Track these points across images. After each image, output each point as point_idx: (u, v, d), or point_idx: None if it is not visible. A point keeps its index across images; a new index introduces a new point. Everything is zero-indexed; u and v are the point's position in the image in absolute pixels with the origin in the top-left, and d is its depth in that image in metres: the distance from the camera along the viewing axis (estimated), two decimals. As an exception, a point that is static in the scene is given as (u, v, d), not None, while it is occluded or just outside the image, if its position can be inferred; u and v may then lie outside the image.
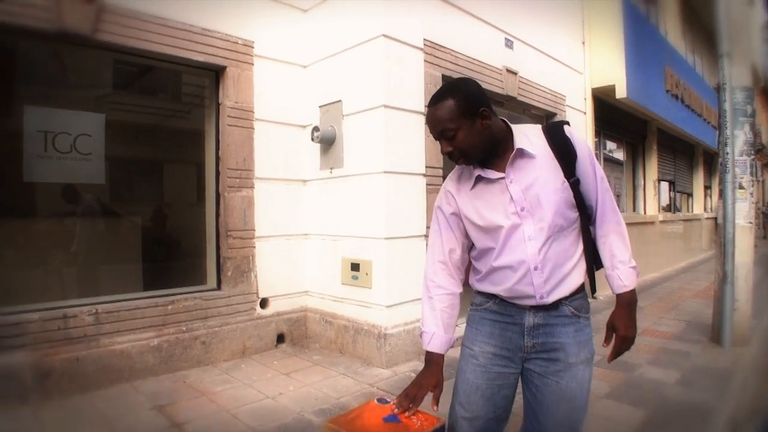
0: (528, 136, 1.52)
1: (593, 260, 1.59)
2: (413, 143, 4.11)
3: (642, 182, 9.54)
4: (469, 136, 1.44)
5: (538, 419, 1.55)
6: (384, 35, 3.90)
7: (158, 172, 7.23)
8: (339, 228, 4.36)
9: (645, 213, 9.43)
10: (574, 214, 1.52)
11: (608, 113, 7.64)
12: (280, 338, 4.44)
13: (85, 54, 3.87)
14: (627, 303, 1.55)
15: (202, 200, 4.38)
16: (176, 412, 3.07)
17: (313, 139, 4.32)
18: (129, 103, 6.41)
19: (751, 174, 4.45)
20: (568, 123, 1.57)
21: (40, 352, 3.22)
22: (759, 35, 4.40)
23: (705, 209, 13.57)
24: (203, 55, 3.97)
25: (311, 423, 2.90)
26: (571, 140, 1.50)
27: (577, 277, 1.54)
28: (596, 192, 1.53)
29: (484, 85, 4.87)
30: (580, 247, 1.55)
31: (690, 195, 12.88)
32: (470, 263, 1.70)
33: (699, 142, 11.68)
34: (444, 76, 4.43)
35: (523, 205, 1.47)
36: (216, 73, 4.20)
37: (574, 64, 6.78)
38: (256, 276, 4.32)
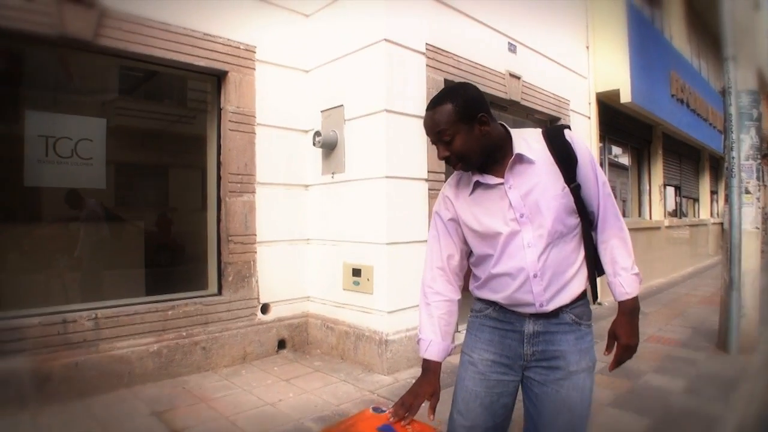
0: (527, 140, 1.50)
1: (595, 267, 1.56)
2: (415, 148, 4.09)
3: (647, 187, 9.48)
4: (467, 142, 1.42)
5: (537, 428, 1.53)
6: (386, 39, 3.89)
7: (163, 177, 7.26)
8: (340, 233, 4.33)
9: (651, 218, 9.36)
10: (575, 220, 1.49)
11: (613, 118, 7.59)
12: (282, 344, 4.42)
13: (88, 60, 3.88)
14: (629, 311, 1.52)
15: (204, 205, 4.37)
16: (175, 418, 3.04)
17: (314, 144, 4.31)
18: (134, 109, 6.45)
19: (758, 178, 4.40)
20: (568, 127, 1.54)
21: (40, 357, 3.21)
22: (765, 38, 4.36)
23: (711, 214, 13.46)
24: (205, 60, 3.97)
25: (310, 430, 2.87)
26: (572, 145, 1.47)
27: (579, 284, 1.50)
28: (598, 197, 1.50)
29: (486, 90, 4.87)
30: (582, 254, 1.51)
31: (696, 200, 12.79)
32: (470, 269, 1.67)
33: (705, 146, 11.61)
34: (446, 81, 4.41)
35: (522, 211, 1.45)
36: (218, 78, 4.20)
37: (578, 69, 6.75)
38: (257, 281, 4.29)
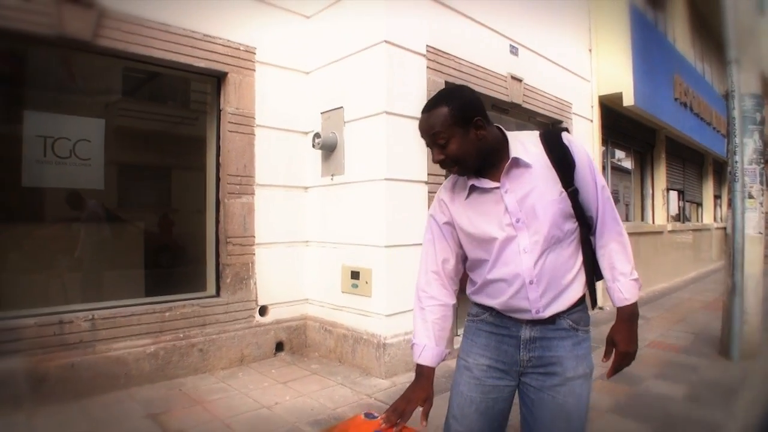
0: (524, 144, 1.47)
1: (593, 272, 1.54)
2: (415, 150, 4.06)
3: (650, 191, 9.42)
4: (462, 146, 1.40)
5: None
6: (386, 41, 3.87)
7: (166, 179, 7.27)
8: (339, 235, 4.31)
9: (653, 222, 9.30)
10: (572, 225, 1.47)
11: (615, 121, 7.55)
12: (279, 346, 4.39)
13: (89, 61, 3.88)
14: (628, 317, 1.49)
15: (203, 207, 4.35)
16: (169, 420, 3.03)
17: (314, 146, 4.29)
18: (136, 110, 6.46)
19: (761, 183, 4.36)
20: (566, 129, 1.52)
21: (36, 357, 3.20)
22: (768, 42, 4.33)
23: (715, 219, 13.39)
24: (205, 61, 3.96)
25: (305, 434, 2.85)
26: (569, 148, 1.45)
27: (576, 290, 1.48)
28: (597, 202, 1.47)
29: (488, 92, 4.85)
30: (580, 259, 1.49)
31: (699, 204, 12.72)
32: (466, 273, 1.65)
33: (708, 150, 11.55)
34: (447, 83, 4.39)
35: (519, 216, 1.42)
36: (217, 79, 4.19)
37: (581, 71, 6.72)
38: (255, 283, 4.27)
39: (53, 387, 3.20)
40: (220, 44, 4.03)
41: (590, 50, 6.97)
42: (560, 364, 1.46)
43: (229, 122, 4.13)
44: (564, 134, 1.48)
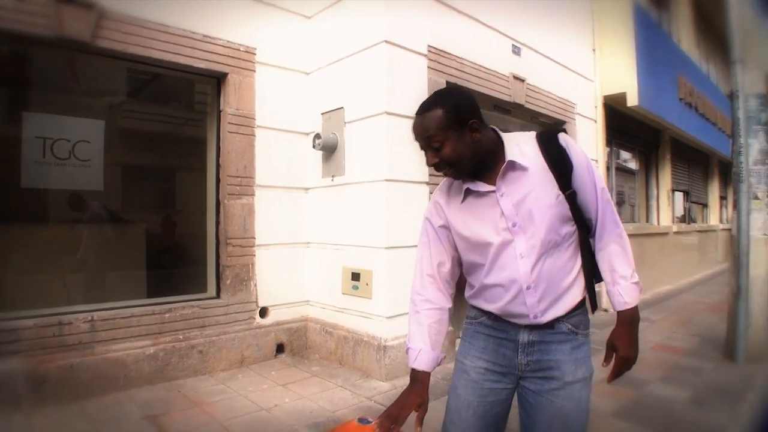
0: (520, 145, 1.44)
1: (593, 275, 1.51)
2: (415, 151, 3.98)
3: (655, 192, 9.35)
4: (457, 149, 1.37)
5: None
6: (386, 41, 3.85)
7: (169, 180, 7.26)
8: (340, 237, 4.29)
9: (658, 224, 9.23)
10: (570, 228, 1.43)
11: (620, 121, 7.50)
12: (280, 348, 4.37)
13: (92, 62, 3.87)
14: (628, 321, 1.46)
15: (204, 208, 4.34)
16: (167, 422, 3.01)
17: (314, 147, 4.28)
18: (140, 111, 6.46)
19: (767, 184, 4.30)
20: (564, 130, 1.48)
21: (35, 358, 3.19)
22: (774, 41, 4.27)
23: (720, 220, 13.29)
24: (204, 62, 3.95)
25: (304, 437, 2.83)
26: (567, 150, 1.41)
27: (575, 294, 1.45)
28: (596, 204, 1.44)
29: (490, 92, 4.82)
30: (578, 262, 1.46)
31: (705, 206, 12.63)
32: (463, 275, 1.62)
33: (714, 151, 11.46)
34: (448, 83, 4.36)
35: (515, 220, 1.39)
36: (217, 80, 4.18)
37: (584, 72, 6.68)
38: (255, 285, 4.26)
39: (52, 388, 3.20)
40: (220, 45, 4.02)
41: (594, 50, 6.93)
42: (559, 368, 1.43)
43: (229, 123, 4.11)
44: (561, 135, 1.44)
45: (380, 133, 3.88)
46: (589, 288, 1.49)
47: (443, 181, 1.59)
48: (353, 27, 4.18)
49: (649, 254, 8.09)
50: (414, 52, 4.06)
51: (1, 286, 3.84)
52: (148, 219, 6.38)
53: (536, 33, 5.56)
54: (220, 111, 4.18)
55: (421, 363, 1.51)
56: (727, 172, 13.42)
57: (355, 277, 4.07)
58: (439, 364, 1.54)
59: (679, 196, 10.57)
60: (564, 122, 6.17)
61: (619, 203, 8.85)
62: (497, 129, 1.48)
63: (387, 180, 3.82)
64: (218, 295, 4.13)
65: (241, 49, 4.15)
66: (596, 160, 6.89)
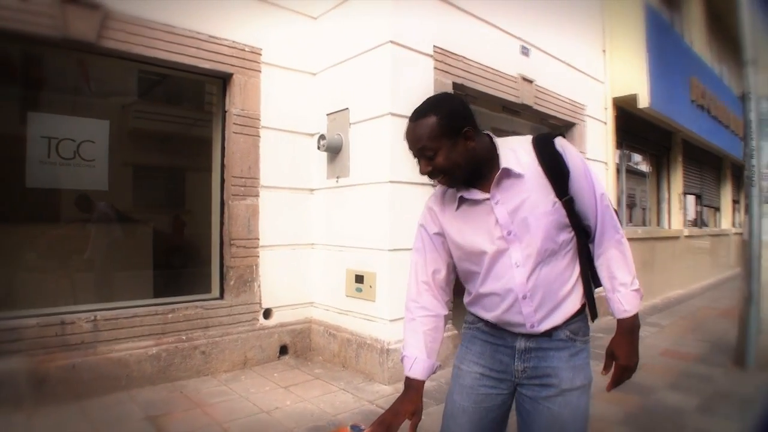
0: (515, 151, 1.40)
1: (592, 282, 1.48)
2: (420, 152, 3.99)
3: (667, 195, 9.23)
4: (450, 158, 1.33)
5: None
6: (391, 42, 3.82)
7: (180, 180, 7.29)
8: (344, 238, 4.26)
9: (670, 227, 9.11)
10: (568, 236, 1.40)
11: (630, 123, 7.40)
12: (283, 350, 4.35)
13: (102, 63, 3.88)
14: (628, 329, 1.42)
15: (209, 208, 4.34)
16: (168, 423, 3.00)
17: (319, 148, 4.26)
18: (151, 112, 6.49)
19: (780, 188, 4.22)
20: (562, 134, 1.44)
21: (37, 358, 3.20)
22: (788, 42, 4.18)
23: (733, 224, 13.08)
24: (210, 62, 3.94)
25: (303, 441, 2.80)
26: (563, 156, 1.37)
27: (573, 302, 1.42)
28: (595, 210, 1.40)
29: (498, 94, 4.78)
30: (577, 270, 1.43)
31: (717, 209, 12.45)
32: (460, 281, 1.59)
33: (726, 154, 11.30)
34: (455, 84, 4.33)
35: (510, 228, 1.36)
36: (223, 81, 4.17)
37: (594, 73, 6.59)
38: (259, 286, 4.24)
39: (54, 387, 3.20)
40: (225, 45, 4.01)
41: (604, 51, 6.84)
42: (556, 375, 1.40)
43: (234, 123, 4.10)
44: (557, 140, 1.40)
45: (384, 135, 3.84)
46: (589, 296, 1.45)
47: (438, 187, 1.56)
48: (359, 27, 4.15)
49: (660, 258, 7.98)
50: (420, 52, 4.02)
51: (6, 285, 3.84)
52: (156, 219, 6.40)
53: (545, 34, 5.50)
54: (225, 111, 4.17)
55: (416, 371, 1.48)
56: (740, 176, 13.14)
57: (359, 279, 4.04)
58: (434, 372, 1.51)
59: (690, 199, 10.43)
60: (574, 124, 6.10)
61: (630, 206, 8.75)
62: (491, 134, 1.44)
63: (391, 182, 3.79)
64: (222, 296, 4.13)
65: (247, 49, 4.14)
66: (606, 163, 6.81)
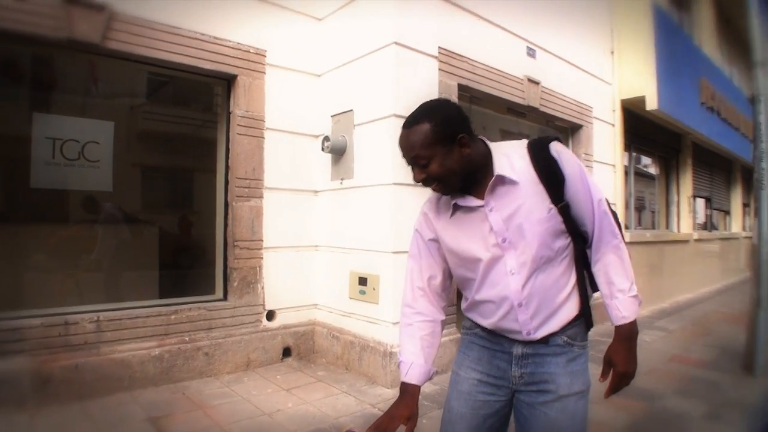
0: (510, 157, 1.38)
1: (592, 287, 1.47)
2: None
3: (676, 198, 9.13)
4: (445, 165, 1.31)
5: None
6: (396, 43, 3.80)
7: (186, 181, 7.29)
8: (348, 240, 4.25)
9: (679, 231, 9.01)
10: (564, 242, 1.38)
11: (639, 126, 7.33)
12: (287, 352, 4.34)
13: (111, 65, 3.89)
14: (626, 336, 1.40)
15: (213, 209, 4.34)
16: (169, 424, 3.00)
17: (323, 149, 4.25)
18: (160, 113, 6.50)
19: (790, 191, 4.14)
20: (557, 138, 1.41)
21: (40, 358, 3.21)
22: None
23: (743, 228, 12.93)
24: (214, 64, 3.94)
25: (303, 444, 2.78)
26: (558, 161, 1.35)
27: (570, 309, 1.40)
28: (593, 216, 1.37)
29: (503, 95, 4.75)
30: (573, 277, 1.41)
31: (728, 213, 12.30)
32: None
33: (737, 157, 11.16)
34: (460, 85, 4.31)
35: (505, 235, 1.35)
36: (227, 82, 4.18)
37: (602, 74, 6.54)
38: (263, 287, 4.23)
39: (57, 388, 3.21)
40: (229, 46, 4.01)
41: (612, 52, 6.79)
42: (553, 381, 1.39)
43: (238, 125, 4.10)
44: (553, 144, 1.37)
45: (388, 136, 3.82)
46: (584, 305, 1.43)
47: (433, 193, 1.54)
48: (363, 29, 4.14)
49: (669, 262, 7.90)
50: (424, 53, 4.00)
51: (8, 285, 3.86)
52: (164, 219, 6.41)
53: (552, 35, 5.46)
54: (230, 113, 4.17)
55: (413, 377, 1.46)
56: (751, 179, 13.03)
57: (362, 281, 4.02)
58: (430, 378, 1.50)
59: (700, 202, 10.32)
60: (581, 126, 6.05)
61: (639, 209, 8.66)
62: (486, 140, 1.42)
63: (395, 184, 3.77)
64: (225, 298, 4.12)
65: (251, 50, 4.14)
66: (614, 165, 6.75)
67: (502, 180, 1.35)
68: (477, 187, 1.38)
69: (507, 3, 4.85)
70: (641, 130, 7.49)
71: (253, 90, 4.17)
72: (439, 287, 1.54)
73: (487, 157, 1.38)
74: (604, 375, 1.44)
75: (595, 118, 6.31)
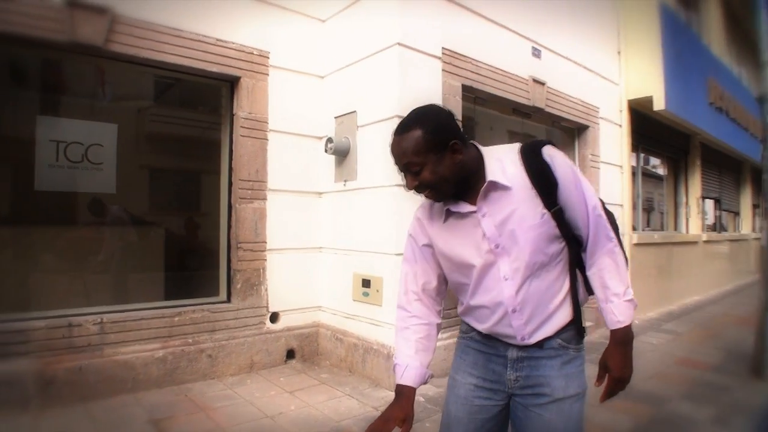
0: (502, 161, 1.36)
1: (587, 289, 1.45)
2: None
3: (684, 199, 9.04)
4: (437, 172, 1.30)
5: None
6: (399, 43, 3.78)
7: (193, 183, 7.31)
8: (352, 242, 4.24)
9: (687, 232, 8.92)
10: (558, 246, 1.37)
11: (646, 126, 7.26)
12: (290, 354, 4.33)
13: (117, 67, 3.90)
14: (622, 340, 1.39)
15: (217, 211, 4.34)
16: (171, 426, 3.00)
17: (326, 151, 4.24)
18: (164, 115, 6.52)
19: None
20: (551, 142, 1.39)
21: (44, 359, 3.22)
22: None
23: (753, 229, 12.79)
24: (217, 66, 3.95)
25: (305, 447, 2.77)
26: (551, 165, 1.33)
27: (564, 314, 1.40)
28: (587, 220, 1.36)
29: (508, 96, 4.72)
30: (567, 282, 1.40)
31: (737, 214, 12.17)
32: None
33: (746, 157, 11.04)
34: (464, 86, 4.28)
35: (498, 241, 1.34)
36: (231, 84, 4.18)
37: (609, 74, 6.48)
38: (266, 289, 4.23)
39: (60, 389, 3.22)
40: (232, 48, 4.01)
41: (619, 52, 6.73)
42: (548, 384, 1.38)
43: (241, 127, 4.10)
44: (545, 149, 1.35)
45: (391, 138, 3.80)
46: (576, 311, 1.42)
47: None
48: (367, 30, 4.13)
49: (677, 264, 7.82)
50: (427, 54, 3.98)
51: (15, 287, 3.88)
52: (170, 221, 6.42)
53: (557, 35, 5.42)
54: (233, 115, 4.18)
55: (408, 379, 1.46)
56: (760, 180, 12.90)
57: (366, 283, 4.01)
58: (425, 381, 1.49)
59: (709, 203, 10.22)
60: (587, 127, 6.00)
61: (648, 210, 8.59)
62: (477, 145, 1.41)
63: (397, 185, 3.74)
64: (229, 300, 4.12)
65: (254, 52, 4.14)
66: (621, 166, 6.69)
67: (495, 186, 1.33)
68: (470, 192, 1.37)
69: (511, 3, 4.82)
70: (649, 130, 7.42)
71: (256, 92, 4.16)
72: (434, 292, 1.53)
73: (479, 163, 1.36)
74: (599, 379, 1.43)
75: (601, 118, 6.26)
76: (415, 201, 3.94)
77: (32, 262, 4.18)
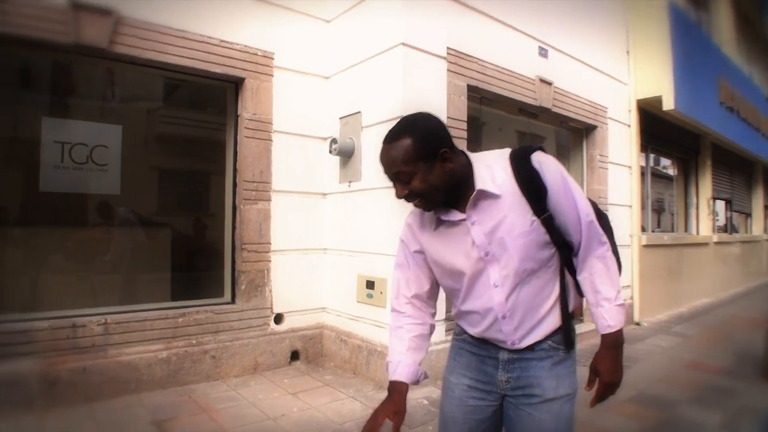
0: (492, 168, 1.35)
1: (579, 294, 1.45)
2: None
3: (695, 200, 8.94)
4: (427, 181, 1.29)
5: None
6: (403, 44, 3.76)
7: (200, 184, 7.34)
8: (356, 243, 4.22)
9: (698, 233, 8.81)
10: (549, 252, 1.36)
11: (656, 126, 7.18)
12: (295, 355, 4.32)
13: (118, 70, 3.92)
14: (612, 344, 1.38)
15: (222, 212, 4.34)
16: (174, 428, 3.00)
17: (331, 152, 4.22)
18: (173, 117, 6.55)
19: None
20: (541, 147, 1.37)
21: (48, 360, 3.23)
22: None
23: (765, 230, 12.62)
24: (222, 67, 3.95)
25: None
26: (540, 172, 1.31)
27: (554, 319, 1.40)
28: (579, 226, 1.34)
29: (515, 96, 4.68)
30: (557, 287, 1.39)
31: (748, 215, 12.02)
32: None
33: (758, 158, 10.91)
34: (470, 86, 4.25)
35: (487, 249, 1.33)
36: (235, 85, 4.18)
37: (617, 74, 6.42)
38: (270, 290, 4.22)
39: (64, 390, 3.23)
40: (237, 49, 4.01)
41: (627, 52, 6.66)
42: (539, 385, 1.39)
43: (245, 128, 4.10)
44: (535, 155, 1.33)
45: (395, 138, 3.78)
46: (565, 319, 1.41)
47: None
48: (371, 30, 4.11)
49: (688, 265, 7.73)
50: (432, 54, 3.95)
51: (19, 288, 3.91)
52: (178, 222, 6.44)
53: (564, 34, 5.37)
54: (238, 116, 4.17)
55: (400, 375, 1.46)
56: (773, 180, 12.77)
57: (370, 285, 3.99)
58: (418, 381, 1.49)
59: (720, 204, 10.09)
60: (595, 127, 5.94)
61: (659, 211, 8.50)
62: (467, 152, 1.40)
63: (402, 186, 3.72)
64: (233, 301, 4.12)
65: (259, 53, 4.14)
66: (629, 167, 6.62)
67: (484, 194, 1.32)
68: (460, 200, 1.36)
69: (517, 2, 4.79)
70: (658, 130, 7.34)
71: (260, 92, 4.16)
72: (426, 296, 1.54)
73: (468, 170, 1.35)
74: (590, 384, 1.43)
75: (610, 118, 6.20)
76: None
77: (38, 263, 4.20)
